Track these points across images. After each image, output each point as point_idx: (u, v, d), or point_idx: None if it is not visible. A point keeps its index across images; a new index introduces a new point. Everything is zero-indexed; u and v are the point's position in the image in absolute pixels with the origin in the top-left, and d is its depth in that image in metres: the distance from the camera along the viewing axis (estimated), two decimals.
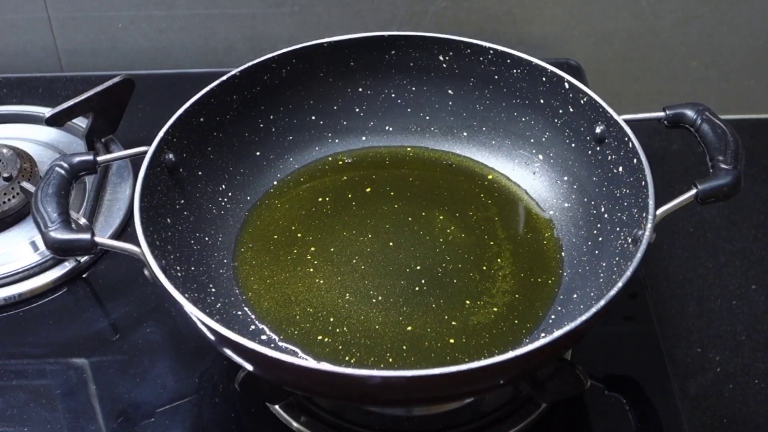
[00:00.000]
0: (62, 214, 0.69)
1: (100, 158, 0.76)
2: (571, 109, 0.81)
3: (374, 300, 0.76)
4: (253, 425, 0.74)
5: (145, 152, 0.74)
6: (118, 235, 0.87)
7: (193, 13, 1.06)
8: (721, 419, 0.78)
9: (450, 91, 0.88)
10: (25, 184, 0.87)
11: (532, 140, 0.85)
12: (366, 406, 0.74)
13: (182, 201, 0.78)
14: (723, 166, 0.72)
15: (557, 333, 0.60)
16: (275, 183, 0.86)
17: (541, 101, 0.83)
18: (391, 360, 0.71)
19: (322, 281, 0.78)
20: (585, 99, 0.79)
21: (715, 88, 1.12)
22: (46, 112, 0.90)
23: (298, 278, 0.78)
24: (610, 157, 0.77)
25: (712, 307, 0.87)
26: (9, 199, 0.87)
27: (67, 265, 0.84)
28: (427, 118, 0.89)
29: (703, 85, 1.12)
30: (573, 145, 0.82)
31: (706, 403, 0.79)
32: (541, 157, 0.85)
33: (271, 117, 0.86)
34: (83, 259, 0.85)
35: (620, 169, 0.75)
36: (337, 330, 0.74)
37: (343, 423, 0.73)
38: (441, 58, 0.86)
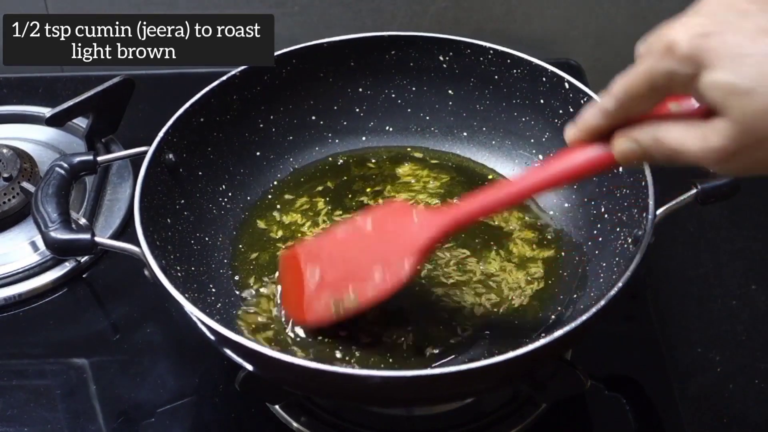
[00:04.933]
0: (62, 214, 0.69)
1: (100, 158, 0.76)
2: (571, 109, 0.81)
3: None
4: (253, 425, 0.74)
5: (145, 152, 0.74)
6: (118, 235, 0.87)
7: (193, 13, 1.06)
8: (721, 419, 0.78)
9: (450, 91, 0.88)
10: (25, 184, 0.87)
11: (532, 140, 0.85)
12: (366, 406, 0.74)
13: (182, 201, 0.78)
14: None
15: (557, 333, 0.60)
16: (275, 183, 0.86)
17: (541, 101, 0.83)
18: (391, 360, 0.71)
19: None
20: (585, 99, 0.79)
21: None
22: (46, 112, 0.90)
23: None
24: None
25: (712, 307, 0.87)
26: (9, 199, 0.87)
27: (67, 265, 0.84)
28: (427, 118, 0.89)
29: None
30: None
31: (706, 403, 0.79)
32: (541, 157, 0.85)
33: (271, 117, 0.86)
34: (83, 259, 0.85)
35: (620, 169, 0.75)
36: (337, 330, 0.73)
37: (343, 423, 0.73)
38: (441, 58, 0.86)
